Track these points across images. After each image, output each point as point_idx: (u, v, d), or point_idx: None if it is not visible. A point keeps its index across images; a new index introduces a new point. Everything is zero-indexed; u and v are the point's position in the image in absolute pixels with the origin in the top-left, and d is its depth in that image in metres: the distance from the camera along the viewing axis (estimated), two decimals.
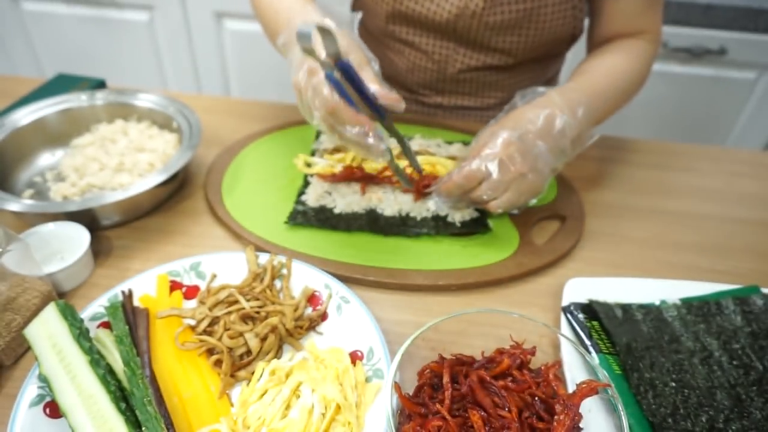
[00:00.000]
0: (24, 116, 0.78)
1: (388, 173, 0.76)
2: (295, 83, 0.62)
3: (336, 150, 0.82)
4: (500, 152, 0.64)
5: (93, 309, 0.55)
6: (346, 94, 0.55)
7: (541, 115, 0.66)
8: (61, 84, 0.94)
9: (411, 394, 0.47)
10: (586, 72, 0.77)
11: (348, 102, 0.56)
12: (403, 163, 0.72)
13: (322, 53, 0.53)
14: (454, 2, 0.80)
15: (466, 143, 0.86)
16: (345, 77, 0.55)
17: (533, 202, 0.70)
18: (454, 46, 0.87)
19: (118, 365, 0.50)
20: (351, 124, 0.58)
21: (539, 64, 0.93)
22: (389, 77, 0.98)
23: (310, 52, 0.51)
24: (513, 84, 0.94)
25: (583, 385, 0.43)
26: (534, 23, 0.82)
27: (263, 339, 0.53)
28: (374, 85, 0.58)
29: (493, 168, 0.64)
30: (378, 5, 0.87)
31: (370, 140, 0.58)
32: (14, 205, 0.63)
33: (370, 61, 0.61)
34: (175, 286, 0.60)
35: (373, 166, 0.78)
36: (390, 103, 0.59)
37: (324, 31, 0.51)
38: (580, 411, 0.42)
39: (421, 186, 0.72)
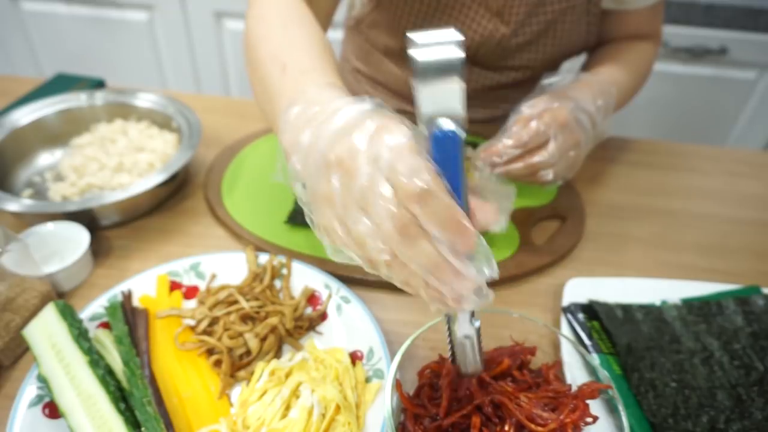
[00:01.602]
0: (23, 116, 0.78)
1: None
2: (338, 156, 0.34)
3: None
4: (567, 117, 0.61)
5: (92, 309, 0.55)
6: (455, 180, 0.32)
7: (587, 96, 0.65)
8: (61, 84, 0.94)
9: (411, 394, 0.47)
10: (608, 63, 0.77)
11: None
12: None
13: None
14: (478, 30, 0.78)
15: (466, 143, 0.86)
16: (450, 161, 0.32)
17: (558, 182, 0.68)
18: (469, 66, 0.85)
19: (118, 365, 0.50)
20: (447, 227, 0.31)
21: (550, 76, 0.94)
22: (394, 92, 0.96)
23: (440, 76, 0.30)
24: (520, 96, 0.94)
25: (584, 387, 0.43)
26: (551, 38, 0.81)
27: (263, 339, 0.53)
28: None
29: (557, 132, 0.60)
30: (394, 29, 0.83)
31: (465, 276, 0.32)
32: (13, 205, 0.63)
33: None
34: (174, 286, 0.60)
35: None
36: (483, 220, 0.37)
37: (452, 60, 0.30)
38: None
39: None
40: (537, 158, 0.62)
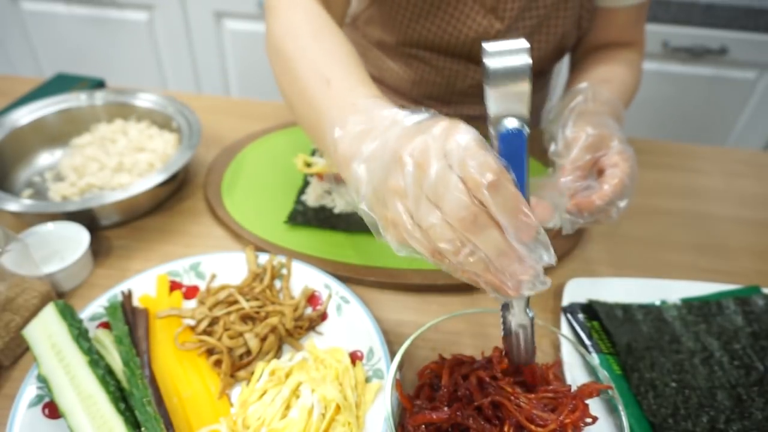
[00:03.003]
0: (23, 116, 0.78)
1: None
2: (412, 154, 0.36)
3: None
4: (633, 161, 0.57)
5: (92, 309, 0.55)
6: (520, 175, 0.36)
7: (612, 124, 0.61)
8: (61, 84, 0.94)
9: (411, 394, 0.47)
10: (611, 81, 0.74)
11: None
12: None
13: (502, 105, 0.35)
14: (472, 27, 0.79)
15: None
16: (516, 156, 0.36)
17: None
18: (465, 63, 0.86)
19: (118, 365, 0.50)
20: (517, 216, 0.34)
21: (543, 74, 0.93)
22: (393, 88, 0.96)
23: (512, 84, 0.34)
24: None
25: (584, 387, 0.43)
26: (545, 35, 0.81)
27: (263, 339, 0.53)
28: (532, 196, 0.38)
29: (630, 180, 0.57)
30: (390, 25, 0.84)
31: (530, 263, 0.36)
32: (13, 205, 0.63)
33: None
34: (174, 286, 0.60)
35: None
36: (541, 214, 0.41)
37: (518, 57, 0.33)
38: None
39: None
40: (620, 207, 0.57)
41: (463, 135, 0.35)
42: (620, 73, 0.77)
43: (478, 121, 0.99)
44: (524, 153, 0.35)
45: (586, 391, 0.43)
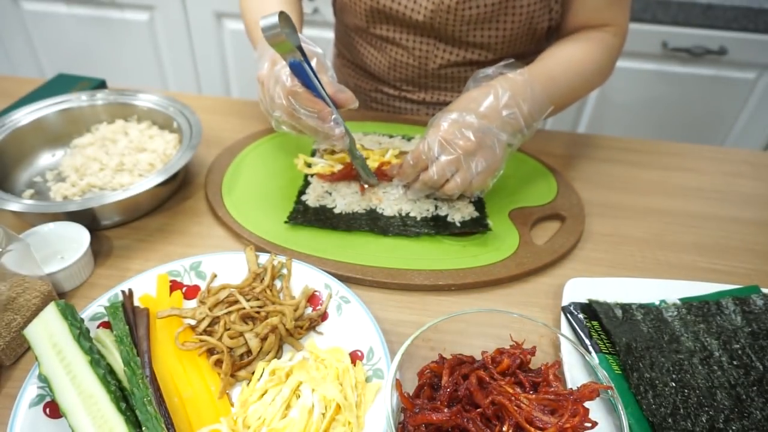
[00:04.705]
0: (24, 116, 0.78)
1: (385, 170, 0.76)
2: (259, 76, 0.67)
3: (335, 150, 0.83)
4: (441, 133, 0.66)
5: (93, 309, 0.55)
6: (308, 81, 0.60)
7: (488, 94, 0.68)
8: (62, 84, 0.94)
9: (411, 394, 0.47)
10: (543, 58, 0.78)
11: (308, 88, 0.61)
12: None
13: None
14: None
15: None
16: (301, 73, 0.60)
17: (492, 181, 0.70)
18: (434, 42, 0.88)
19: (119, 365, 0.50)
20: (308, 107, 0.62)
21: (521, 61, 0.93)
22: (373, 74, 0.99)
23: (275, 42, 0.55)
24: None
25: (584, 388, 0.43)
26: (510, 16, 0.82)
27: (263, 339, 0.53)
28: (327, 81, 0.63)
29: (436, 148, 0.66)
30: (356, 4, 0.87)
31: (329, 124, 0.63)
32: (14, 205, 0.63)
33: (327, 70, 0.65)
34: (175, 286, 0.60)
35: (371, 165, 0.78)
36: (342, 99, 0.64)
37: (285, 21, 0.56)
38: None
39: (383, 175, 0.75)
40: (427, 175, 0.67)
41: (278, 67, 0.63)
42: (567, 50, 0.79)
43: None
44: (306, 74, 0.59)
45: (586, 394, 0.43)
